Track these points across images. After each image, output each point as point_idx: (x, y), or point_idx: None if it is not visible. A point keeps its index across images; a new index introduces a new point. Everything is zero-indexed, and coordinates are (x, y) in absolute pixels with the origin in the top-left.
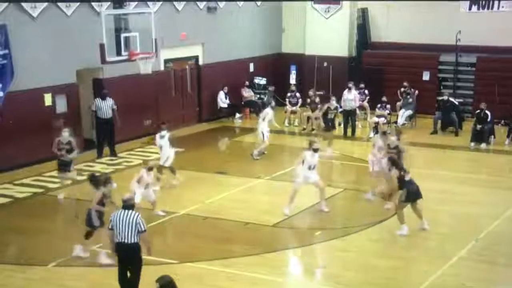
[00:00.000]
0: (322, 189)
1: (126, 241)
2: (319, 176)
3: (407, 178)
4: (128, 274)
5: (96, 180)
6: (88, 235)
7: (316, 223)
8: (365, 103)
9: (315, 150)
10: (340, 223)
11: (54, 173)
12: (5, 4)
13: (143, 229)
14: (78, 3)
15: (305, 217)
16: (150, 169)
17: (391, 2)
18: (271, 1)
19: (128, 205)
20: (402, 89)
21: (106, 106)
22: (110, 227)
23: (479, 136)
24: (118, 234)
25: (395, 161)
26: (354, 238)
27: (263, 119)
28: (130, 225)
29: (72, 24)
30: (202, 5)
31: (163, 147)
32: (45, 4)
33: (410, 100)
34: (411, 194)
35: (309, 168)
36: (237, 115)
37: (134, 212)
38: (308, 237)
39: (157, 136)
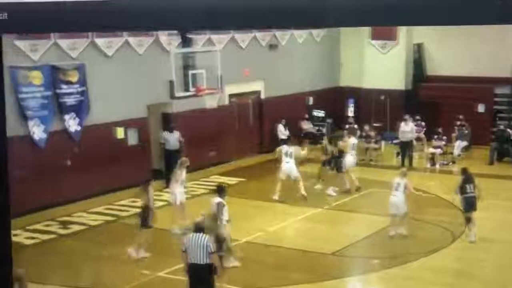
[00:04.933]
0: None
1: (198, 262)
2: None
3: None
4: None
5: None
6: None
7: (375, 251)
8: (422, 135)
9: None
10: (398, 251)
11: (125, 202)
12: (85, 45)
13: (212, 250)
14: (150, 42)
15: (364, 246)
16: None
17: (446, 36)
18: (329, 26)
19: (199, 228)
20: (458, 122)
21: (173, 139)
22: (183, 249)
23: None
24: (192, 255)
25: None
26: (412, 267)
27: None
28: (201, 247)
29: (144, 62)
30: (264, 42)
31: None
32: (120, 43)
33: (466, 131)
34: None
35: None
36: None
37: (204, 234)
38: (367, 265)
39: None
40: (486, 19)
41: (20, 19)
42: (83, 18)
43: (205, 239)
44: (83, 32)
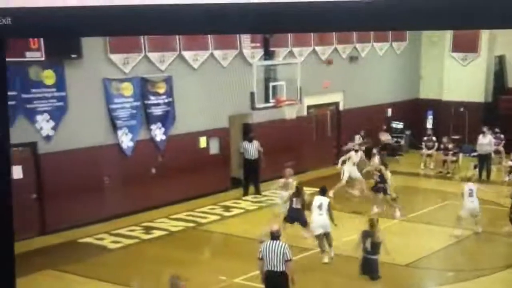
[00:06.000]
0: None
1: (274, 269)
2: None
3: None
4: None
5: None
6: None
7: (449, 264)
8: (501, 148)
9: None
10: (472, 265)
11: (205, 208)
12: (173, 58)
13: (288, 258)
14: (234, 54)
15: (438, 258)
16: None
17: None
18: (331, 30)
19: (276, 236)
20: None
21: (253, 148)
22: (260, 257)
23: None
24: (268, 263)
25: None
26: (486, 281)
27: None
28: (278, 255)
29: (227, 74)
30: (345, 55)
31: None
32: (206, 56)
33: None
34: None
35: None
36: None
37: (281, 242)
38: (440, 278)
39: None
40: (492, 21)
41: (25, 24)
42: (85, 23)
43: (282, 246)
44: (85, 37)
